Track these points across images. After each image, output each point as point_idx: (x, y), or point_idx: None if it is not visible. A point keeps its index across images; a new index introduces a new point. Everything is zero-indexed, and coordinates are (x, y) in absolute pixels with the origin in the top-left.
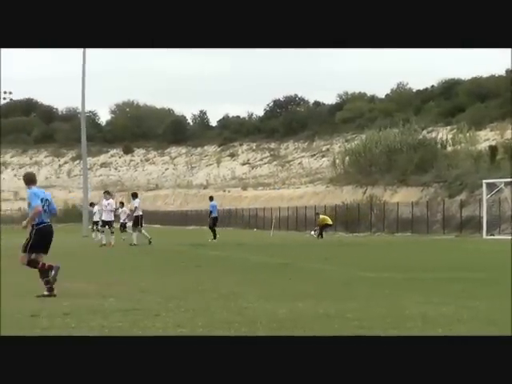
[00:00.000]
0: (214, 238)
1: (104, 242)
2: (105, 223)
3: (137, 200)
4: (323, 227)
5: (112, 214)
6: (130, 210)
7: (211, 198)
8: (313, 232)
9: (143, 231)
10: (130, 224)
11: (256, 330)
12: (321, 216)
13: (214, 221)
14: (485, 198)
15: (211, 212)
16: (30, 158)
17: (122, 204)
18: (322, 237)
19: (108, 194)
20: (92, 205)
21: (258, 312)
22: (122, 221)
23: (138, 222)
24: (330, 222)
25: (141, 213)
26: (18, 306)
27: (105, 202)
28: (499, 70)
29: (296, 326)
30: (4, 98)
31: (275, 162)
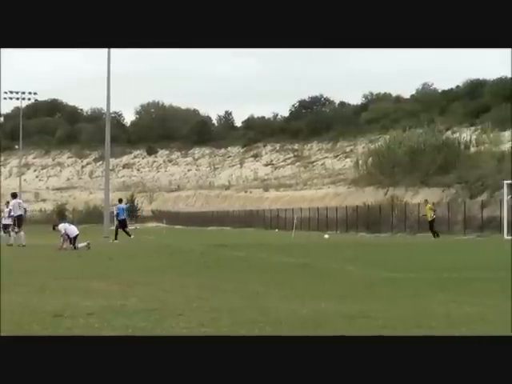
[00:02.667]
0: (115, 238)
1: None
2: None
3: (14, 201)
4: None
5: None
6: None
7: (120, 201)
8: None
9: (16, 233)
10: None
11: (280, 329)
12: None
13: (120, 223)
14: (505, 198)
15: (118, 214)
16: (53, 159)
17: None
18: None
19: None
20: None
21: (282, 312)
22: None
23: (15, 222)
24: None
25: (19, 213)
26: (42, 305)
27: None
28: None
29: (319, 326)
30: (29, 99)
31: (298, 163)
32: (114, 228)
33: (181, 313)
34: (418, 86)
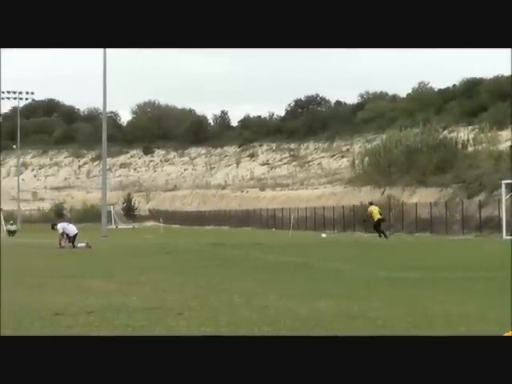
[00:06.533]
0: None
1: None
2: None
3: None
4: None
5: None
6: None
7: None
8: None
9: None
10: None
11: (279, 328)
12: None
13: None
14: (504, 198)
15: None
16: (50, 159)
17: None
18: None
19: None
20: None
21: (280, 311)
22: None
23: None
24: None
25: None
26: (42, 304)
27: None
28: None
29: (318, 325)
30: (26, 99)
31: (294, 163)
32: (112, 227)
33: (180, 312)
34: (414, 84)
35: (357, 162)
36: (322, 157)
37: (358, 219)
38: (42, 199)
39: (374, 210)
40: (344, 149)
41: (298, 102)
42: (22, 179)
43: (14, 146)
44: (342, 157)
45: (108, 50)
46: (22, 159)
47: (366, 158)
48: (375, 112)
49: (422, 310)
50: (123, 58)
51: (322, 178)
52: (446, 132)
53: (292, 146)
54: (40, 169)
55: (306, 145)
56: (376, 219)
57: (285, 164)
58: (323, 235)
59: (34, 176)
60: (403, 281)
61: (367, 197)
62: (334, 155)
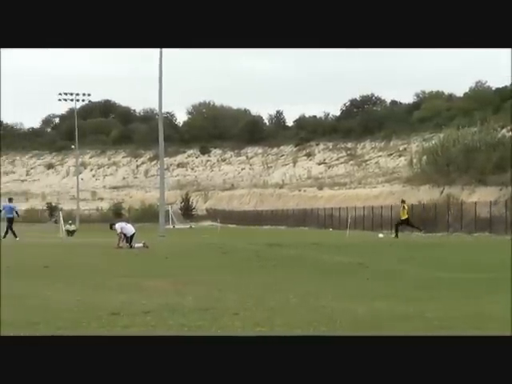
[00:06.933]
0: (4, 236)
1: None
2: None
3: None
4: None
5: None
6: None
7: (10, 200)
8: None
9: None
10: None
11: (335, 329)
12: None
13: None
14: None
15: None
16: (109, 159)
17: None
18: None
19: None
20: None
21: (336, 311)
22: None
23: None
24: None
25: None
26: (99, 303)
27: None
28: None
29: (375, 326)
30: (83, 100)
31: (352, 162)
32: (169, 227)
33: (236, 312)
34: (470, 84)
35: (414, 160)
36: (380, 156)
37: (415, 219)
38: (101, 199)
39: (404, 209)
40: (401, 148)
41: (353, 102)
42: (81, 179)
43: (73, 146)
44: (400, 156)
45: (164, 50)
46: (80, 159)
47: (424, 157)
48: (432, 111)
49: (481, 311)
50: (179, 59)
51: (380, 177)
52: (504, 131)
53: (349, 145)
54: (98, 168)
55: (362, 144)
56: (403, 218)
57: (342, 163)
58: (380, 235)
59: (93, 176)
60: (461, 281)
61: (426, 196)
62: (392, 154)
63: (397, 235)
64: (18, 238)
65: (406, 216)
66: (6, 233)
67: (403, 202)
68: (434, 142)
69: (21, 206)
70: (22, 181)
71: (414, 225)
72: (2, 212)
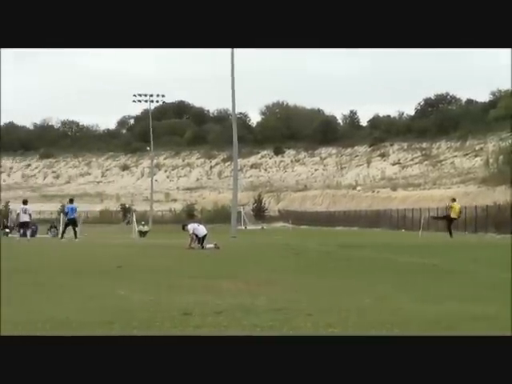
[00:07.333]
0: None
1: None
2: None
3: (21, 207)
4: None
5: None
6: None
7: (71, 201)
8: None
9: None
10: None
11: (408, 330)
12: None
13: (69, 222)
14: None
15: (67, 213)
16: (183, 160)
17: None
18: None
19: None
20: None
21: (411, 313)
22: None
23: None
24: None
25: (25, 219)
26: (172, 303)
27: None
28: None
29: (448, 327)
30: (157, 101)
31: (426, 162)
32: (241, 228)
33: (309, 313)
34: None
35: (491, 160)
36: (455, 156)
37: (490, 220)
38: (174, 200)
39: (455, 208)
40: (477, 147)
41: (427, 101)
42: (156, 180)
43: (148, 148)
44: (476, 156)
45: (236, 50)
46: (155, 160)
47: (501, 157)
48: (508, 110)
49: None
50: (251, 59)
51: (455, 178)
52: None
53: (423, 145)
54: (173, 170)
55: (437, 144)
56: (453, 217)
57: (416, 163)
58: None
59: (167, 177)
60: None
61: (501, 196)
62: (467, 154)
63: (451, 235)
64: (77, 239)
65: (456, 215)
66: (75, 234)
67: (454, 200)
68: (510, 142)
69: (95, 208)
70: (98, 182)
71: (451, 228)
72: (68, 214)
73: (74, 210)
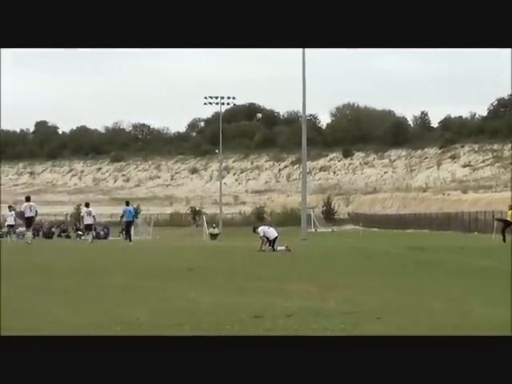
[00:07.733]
0: (130, 240)
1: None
2: None
3: (26, 203)
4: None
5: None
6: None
7: (127, 203)
8: None
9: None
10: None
11: (478, 332)
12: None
13: (126, 224)
14: None
15: (122, 216)
16: (251, 163)
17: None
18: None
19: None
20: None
21: (482, 316)
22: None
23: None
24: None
25: (31, 215)
26: (242, 306)
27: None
28: None
29: None
30: (228, 104)
31: (498, 164)
32: (311, 230)
33: (378, 316)
34: None
35: None
36: None
37: None
38: (243, 203)
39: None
40: None
41: (500, 101)
42: (225, 183)
43: (217, 151)
44: None
45: (307, 51)
46: (224, 163)
47: None
48: None
49: None
50: (322, 60)
51: None
52: None
53: (495, 146)
54: (241, 173)
55: (510, 145)
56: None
57: (488, 165)
58: None
59: (236, 180)
60: None
61: None
62: None
63: (504, 239)
64: (131, 243)
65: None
66: (130, 237)
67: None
68: None
69: (165, 210)
70: (167, 185)
71: (505, 232)
72: (126, 216)
73: (131, 212)
